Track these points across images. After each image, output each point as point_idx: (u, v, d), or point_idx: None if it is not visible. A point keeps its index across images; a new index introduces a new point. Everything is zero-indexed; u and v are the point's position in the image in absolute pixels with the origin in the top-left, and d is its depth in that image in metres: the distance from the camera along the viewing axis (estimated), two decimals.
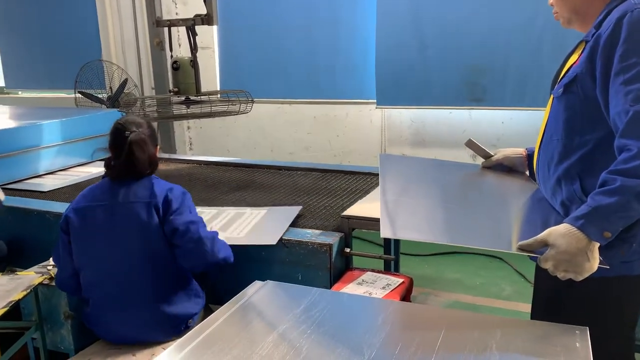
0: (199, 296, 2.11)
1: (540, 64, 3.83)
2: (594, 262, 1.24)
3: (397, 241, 3.07)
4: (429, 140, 4.46)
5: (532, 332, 1.23)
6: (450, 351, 1.15)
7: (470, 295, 3.38)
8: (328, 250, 2.14)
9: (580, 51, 1.46)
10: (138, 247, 1.97)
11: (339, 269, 2.22)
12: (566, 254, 1.23)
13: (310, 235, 2.25)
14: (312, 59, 4.63)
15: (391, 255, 2.91)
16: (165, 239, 1.98)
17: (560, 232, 1.25)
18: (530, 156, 1.90)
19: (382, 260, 2.94)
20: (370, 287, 2.07)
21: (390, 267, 2.98)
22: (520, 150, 1.96)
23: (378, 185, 2.81)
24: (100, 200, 2.01)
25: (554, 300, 1.51)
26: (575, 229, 1.24)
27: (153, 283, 1.98)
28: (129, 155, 1.99)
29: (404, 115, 4.50)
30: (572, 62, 1.49)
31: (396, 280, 2.14)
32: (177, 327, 2.01)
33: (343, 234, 2.27)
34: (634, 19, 1.28)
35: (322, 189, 3.00)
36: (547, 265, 1.27)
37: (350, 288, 2.05)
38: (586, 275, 1.24)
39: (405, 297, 2.14)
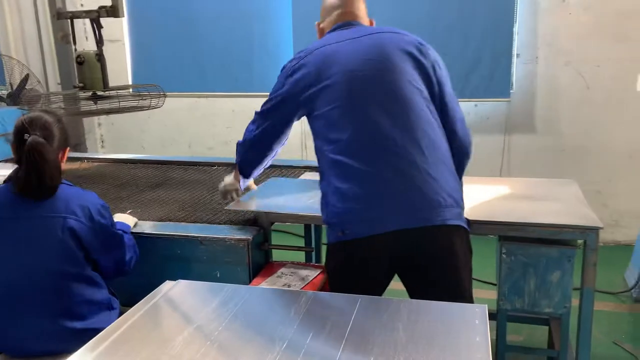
0: (113, 307, 2.01)
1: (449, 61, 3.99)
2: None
3: (318, 232, 3.11)
4: None
5: (437, 313, 1.29)
6: (360, 335, 1.19)
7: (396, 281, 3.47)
8: (246, 245, 2.13)
9: None
10: (42, 262, 1.82)
11: (259, 263, 2.21)
12: None
13: (228, 231, 2.23)
14: (227, 51, 4.56)
15: (311, 246, 2.94)
16: (75, 258, 1.86)
17: None
18: None
19: (305, 252, 2.99)
20: (289, 279, 2.08)
21: (312, 258, 3.01)
22: None
23: (298, 178, 2.84)
24: (1, 212, 1.86)
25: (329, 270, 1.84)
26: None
27: (60, 298, 1.85)
28: (31, 165, 1.79)
29: None
30: None
31: (315, 271, 2.16)
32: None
33: (261, 228, 2.26)
34: None
35: None
36: None
37: (269, 282, 2.05)
38: None
39: (325, 286, 2.18)
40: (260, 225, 2.27)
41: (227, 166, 3.29)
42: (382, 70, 1.79)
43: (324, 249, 3.34)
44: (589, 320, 2.11)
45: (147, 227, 2.31)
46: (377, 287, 1.81)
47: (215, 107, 4.76)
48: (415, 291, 1.81)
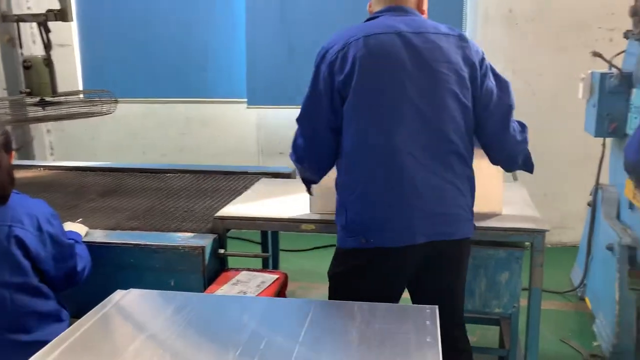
0: (61, 319, 1.94)
1: None
2: None
3: (275, 238, 3.10)
4: None
5: (389, 314, 1.32)
6: (313, 340, 1.20)
7: None
8: (201, 253, 2.11)
9: None
10: None
11: (214, 271, 2.20)
12: None
13: (182, 238, 2.20)
14: (181, 56, 4.51)
15: (268, 252, 2.94)
16: (21, 268, 1.79)
17: None
18: None
19: (261, 259, 2.98)
20: (244, 286, 2.07)
21: (269, 264, 3.00)
22: None
23: (254, 184, 2.84)
24: None
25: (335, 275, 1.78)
26: None
27: (3, 310, 1.76)
28: None
29: (280, 115, 4.55)
30: None
31: (271, 277, 2.16)
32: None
33: (217, 235, 2.25)
34: None
35: (197, 190, 2.94)
36: None
37: (225, 289, 2.04)
38: None
39: (281, 292, 2.18)
40: (215, 232, 2.25)
41: (182, 173, 3.25)
42: (432, 78, 1.68)
43: (282, 255, 3.37)
44: (537, 319, 2.19)
45: (99, 235, 2.26)
46: (395, 297, 1.77)
47: (169, 113, 4.70)
48: (421, 298, 1.80)
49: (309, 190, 2.08)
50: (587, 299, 3.21)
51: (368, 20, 1.82)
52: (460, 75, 1.69)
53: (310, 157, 1.82)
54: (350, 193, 1.71)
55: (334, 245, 1.82)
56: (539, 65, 4.02)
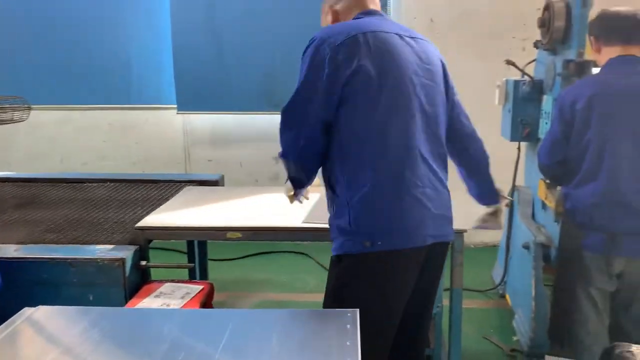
0: None
1: None
2: None
3: (202, 247, 3.04)
4: (232, 146, 4.49)
5: (311, 320, 1.32)
6: (233, 349, 1.18)
7: (277, 292, 3.49)
8: (121, 265, 2.03)
9: None
10: None
11: (135, 283, 2.12)
12: None
13: (101, 251, 2.11)
14: (102, 61, 4.33)
15: (194, 263, 2.87)
16: None
17: None
18: None
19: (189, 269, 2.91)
20: (168, 298, 2.02)
21: (196, 274, 2.94)
22: None
23: (178, 193, 2.77)
24: None
25: (339, 287, 1.64)
26: None
27: None
28: None
29: (206, 120, 4.48)
30: None
31: (196, 288, 2.12)
32: None
33: (138, 246, 2.17)
34: None
35: (119, 200, 2.84)
36: None
37: (147, 302, 1.98)
38: None
39: (207, 303, 2.14)
40: (137, 243, 2.18)
41: (103, 182, 3.12)
42: (431, 81, 1.71)
43: (211, 264, 3.31)
44: (459, 318, 2.26)
45: (11, 250, 2.14)
46: (404, 298, 1.71)
47: (90, 119, 4.50)
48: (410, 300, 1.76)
49: (296, 196, 1.84)
50: (507, 296, 3.36)
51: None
52: (442, 80, 1.78)
53: (297, 151, 1.68)
54: (355, 193, 1.59)
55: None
56: (460, 72, 4.17)
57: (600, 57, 2.22)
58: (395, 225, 1.60)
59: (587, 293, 2.18)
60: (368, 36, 1.59)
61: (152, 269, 2.22)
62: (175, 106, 4.32)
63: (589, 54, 2.37)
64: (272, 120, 4.37)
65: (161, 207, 2.48)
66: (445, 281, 2.23)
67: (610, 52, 2.16)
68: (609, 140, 2.08)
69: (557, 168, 2.26)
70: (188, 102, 4.30)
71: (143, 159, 4.46)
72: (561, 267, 2.36)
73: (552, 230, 2.80)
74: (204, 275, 3.01)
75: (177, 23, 4.19)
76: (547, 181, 2.53)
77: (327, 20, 1.82)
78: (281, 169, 1.76)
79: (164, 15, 4.23)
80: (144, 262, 2.15)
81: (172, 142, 4.49)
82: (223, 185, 3.16)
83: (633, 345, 1.77)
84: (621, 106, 2.09)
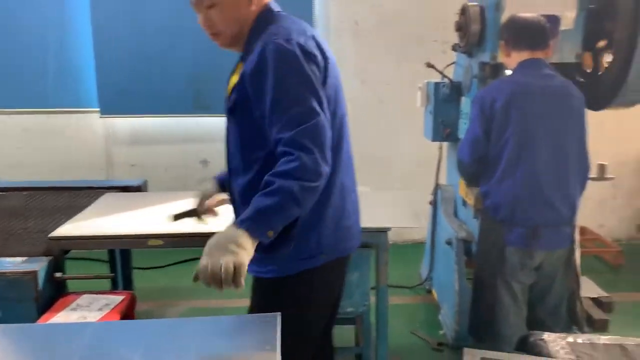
0: None
1: None
2: (241, 255, 1.26)
3: (126, 256, 2.93)
4: (157, 150, 4.36)
5: (231, 327, 1.30)
6: None
7: (205, 299, 3.42)
8: (33, 278, 1.92)
9: (239, 72, 1.51)
10: None
11: (50, 297, 2.01)
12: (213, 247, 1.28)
13: (11, 263, 1.99)
14: (15, 62, 4.08)
15: (116, 272, 2.76)
16: None
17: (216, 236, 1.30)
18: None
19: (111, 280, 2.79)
20: (85, 311, 1.92)
21: (118, 284, 2.83)
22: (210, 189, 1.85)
23: (97, 200, 2.65)
24: None
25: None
26: (241, 230, 1.28)
27: None
28: None
29: (129, 124, 4.32)
30: (233, 83, 1.54)
31: (116, 299, 2.03)
32: None
33: (53, 257, 2.06)
34: (272, 50, 1.39)
35: (34, 209, 2.68)
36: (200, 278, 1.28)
37: (62, 316, 1.88)
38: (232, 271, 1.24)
39: (128, 314, 2.06)
40: (51, 254, 2.06)
41: (17, 191, 2.93)
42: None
43: (136, 273, 3.19)
44: (385, 314, 2.30)
45: None
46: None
47: (2, 124, 4.23)
48: None
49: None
50: (433, 291, 3.46)
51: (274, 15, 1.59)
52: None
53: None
54: (323, 210, 1.53)
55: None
56: (385, 75, 4.28)
57: (509, 60, 2.33)
58: (353, 234, 1.66)
59: (508, 287, 2.27)
60: (319, 41, 1.53)
61: (71, 281, 2.12)
62: (98, 109, 4.14)
63: (501, 57, 2.48)
64: (200, 123, 4.32)
65: (78, 215, 2.36)
66: (371, 279, 2.27)
67: (519, 56, 2.28)
68: (527, 137, 2.18)
69: (477, 166, 2.33)
70: (111, 105, 4.13)
71: (62, 165, 4.24)
72: (482, 263, 2.44)
73: (473, 226, 2.91)
74: (128, 285, 2.90)
75: (98, 20, 4.02)
76: (466, 179, 2.62)
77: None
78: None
79: (83, 15, 4.04)
80: (59, 274, 2.04)
81: (94, 147, 4.30)
82: (146, 190, 3.06)
83: (545, 333, 1.87)
84: (538, 105, 2.20)
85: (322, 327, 1.72)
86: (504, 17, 2.51)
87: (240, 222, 1.31)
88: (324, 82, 1.47)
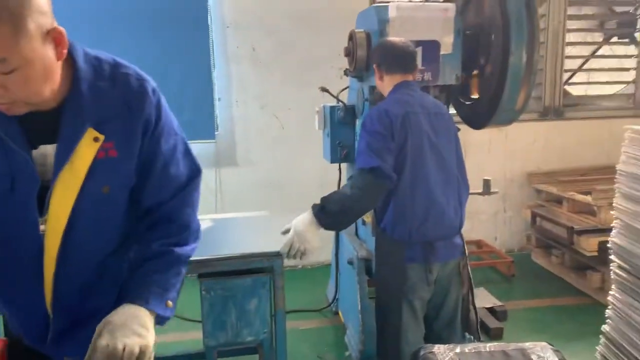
0: None
1: None
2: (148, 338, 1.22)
3: None
4: None
5: None
6: None
7: None
8: None
9: None
10: None
11: None
12: None
13: None
14: None
15: None
16: None
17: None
18: None
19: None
20: None
21: None
22: None
23: None
24: None
25: None
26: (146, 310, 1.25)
27: None
28: None
29: None
30: None
31: None
32: None
33: None
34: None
35: None
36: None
37: None
38: None
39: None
40: None
41: None
42: None
43: None
44: (284, 340, 2.26)
45: None
46: None
47: None
48: None
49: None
50: (340, 313, 3.47)
51: None
52: None
53: None
54: None
55: None
56: (286, 100, 4.32)
57: (382, 83, 2.43)
58: None
59: (409, 304, 2.31)
60: None
61: None
62: None
63: (375, 81, 2.52)
64: None
65: None
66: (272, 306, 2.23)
67: (392, 79, 2.38)
68: (418, 154, 2.25)
69: (389, 170, 2.20)
70: None
71: None
72: (383, 282, 2.46)
73: (373, 245, 2.97)
74: None
75: None
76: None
77: None
78: None
79: None
80: None
81: None
82: None
83: (435, 345, 1.91)
84: (422, 123, 2.28)
85: None
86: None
87: (146, 301, 1.25)
88: None
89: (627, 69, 4.83)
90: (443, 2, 3.01)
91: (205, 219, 3.00)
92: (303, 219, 2.21)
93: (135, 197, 1.36)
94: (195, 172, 1.44)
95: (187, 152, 1.44)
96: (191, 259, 1.93)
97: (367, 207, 2.32)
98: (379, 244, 2.46)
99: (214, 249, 2.21)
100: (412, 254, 2.28)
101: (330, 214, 2.20)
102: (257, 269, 2.21)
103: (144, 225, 1.38)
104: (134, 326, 1.19)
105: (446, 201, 2.29)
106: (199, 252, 2.20)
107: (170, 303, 1.29)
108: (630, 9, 4.82)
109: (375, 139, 2.22)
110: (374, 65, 2.45)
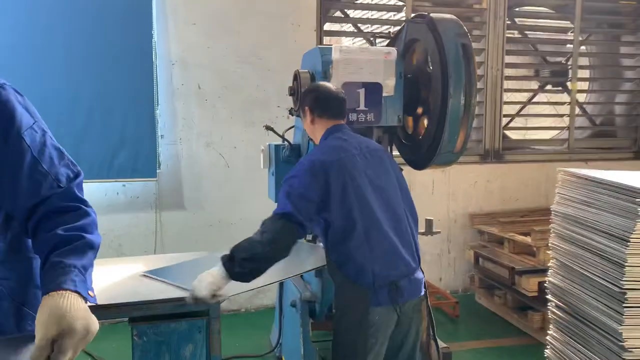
0: None
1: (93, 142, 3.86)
2: None
3: None
4: None
5: None
6: None
7: None
8: None
9: None
10: None
11: None
12: None
13: None
14: None
15: None
16: None
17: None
18: None
19: None
20: None
21: None
22: None
23: None
24: None
25: None
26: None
27: None
28: None
29: None
30: None
31: None
32: None
33: None
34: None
35: None
36: None
37: None
38: None
39: None
40: None
41: None
42: None
43: None
44: None
45: None
46: None
47: None
48: None
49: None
50: (283, 358, 3.36)
51: None
52: None
53: None
54: None
55: None
56: (232, 138, 4.28)
57: (314, 127, 2.46)
58: None
59: (372, 347, 2.21)
60: None
61: None
62: None
63: (304, 123, 2.54)
64: None
65: None
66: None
67: (323, 123, 2.41)
68: (364, 200, 2.22)
69: (302, 218, 2.18)
70: None
71: None
72: (344, 328, 2.30)
73: (316, 286, 2.91)
74: None
75: None
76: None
77: None
78: None
79: None
80: None
81: None
82: None
83: None
84: (360, 164, 2.29)
85: None
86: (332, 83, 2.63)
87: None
88: None
89: (562, 115, 5.09)
90: (386, 46, 3.09)
91: (140, 259, 2.89)
92: (212, 271, 2.08)
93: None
94: (74, 170, 1.37)
95: (58, 149, 1.37)
96: (122, 301, 1.83)
97: (277, 254, 2.18)
98: (340, 293, 2.33)
99: (148, 292, 2.10)
100: (379, 298, 2.20)
101: (239, 262, 2.08)
102: (193, 312, 2.12)
103: (32, 223, 1.30)
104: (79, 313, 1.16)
105: (400, 240, 2.27)
106: (131, 295, 2.12)
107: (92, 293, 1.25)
108: (563, 59, 5.12)
109: (295, 188, 2.20)
110: (306, 108, 2.46)
